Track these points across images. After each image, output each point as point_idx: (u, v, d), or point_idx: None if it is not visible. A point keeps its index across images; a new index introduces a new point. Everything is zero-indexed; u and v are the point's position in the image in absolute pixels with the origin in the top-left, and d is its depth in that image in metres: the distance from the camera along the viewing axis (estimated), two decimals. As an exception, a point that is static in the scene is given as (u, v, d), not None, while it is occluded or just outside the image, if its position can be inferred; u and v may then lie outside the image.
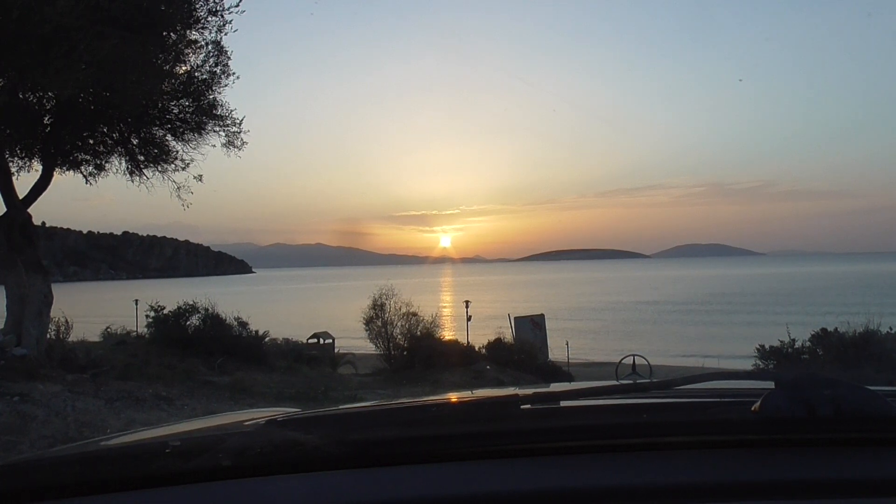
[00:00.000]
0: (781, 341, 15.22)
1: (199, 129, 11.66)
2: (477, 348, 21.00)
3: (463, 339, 22.62)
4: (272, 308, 64.66)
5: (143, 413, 8.56)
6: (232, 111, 11.74)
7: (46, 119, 11.28)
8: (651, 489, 0.88)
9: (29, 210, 11.41)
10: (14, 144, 11.31)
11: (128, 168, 12.06)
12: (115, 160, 12.15)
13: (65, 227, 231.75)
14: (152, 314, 16.87)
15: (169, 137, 11.86)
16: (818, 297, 71.75)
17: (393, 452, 1.00)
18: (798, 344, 15.02)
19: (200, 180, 12.06)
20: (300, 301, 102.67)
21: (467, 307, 28.49)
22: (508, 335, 23.64)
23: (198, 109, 11.52)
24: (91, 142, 12.06)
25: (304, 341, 23.52)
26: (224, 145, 11.87)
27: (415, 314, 19.07)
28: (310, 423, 1.16)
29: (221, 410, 8.85)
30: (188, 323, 16.47)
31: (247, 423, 1.26)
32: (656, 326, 54.60)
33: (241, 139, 11.94)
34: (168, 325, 16.40)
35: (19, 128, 10.80)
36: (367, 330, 19.32)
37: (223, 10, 10.77)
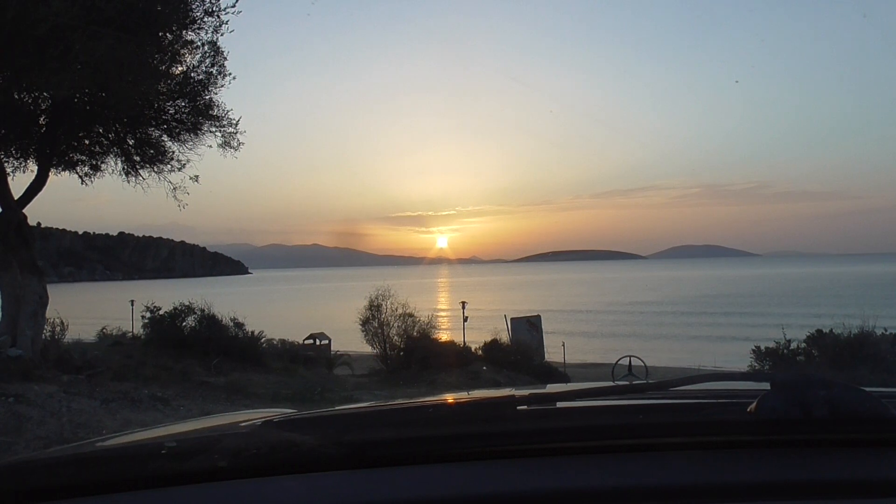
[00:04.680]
0: (777, 342, 15.27)
1: (195, 129, 11.64)
2: (473, 349, 21.01)
3: (459, 340, 22.62)
4: (268, 309, 64.56)
5: (138, 414, 8.54)
6: (228, 112, 11.73)
7: (42, 119, 11.26)
8: (647, 490, 0.88)
9: (24, 210, 11.38)
10: (9, 145, 11.29)
11: (124, 168, 12.04)
12: (110, 161, 12.15)
13: (60, 227, 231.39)
14: (148, 315, 16.85)
15: (165, 138, 11.84)
16: (813, 299, 71.92)
17: (389, 453, 1.00)
18: (793, 345, 15.08)
19: (197, 181, 12.04)
20: (296, 302, 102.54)
21: (463, 308, 28.46)
22: (505, 336, 23.65)
23: (194, 110, 11.50)
24: (87, 142, 12.04)
25: (301, 342, 23.51)
26: (220, 146, 11.85)
27: (411, 315, 19.07)
28: (306, 423, 1.16)
29: (217, 411, 8.83)
30: (184, 324, 16.46)
31: (243, 424, 1.26)
32: (652, 327, 54.64)
33: (238, 140, 11.93)
34: (164, 326, 16.38)
35: (15, 128, 10.78)
36: (363, 331, 19.31)
37: (219, 10, 10.77)
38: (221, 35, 11.02)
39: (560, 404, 1.25)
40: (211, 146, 11.90)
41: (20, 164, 11.74)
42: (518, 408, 1.13)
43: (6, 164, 11.38)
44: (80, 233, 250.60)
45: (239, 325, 17.05)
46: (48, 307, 11.46)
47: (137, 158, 11.98)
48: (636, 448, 1.00)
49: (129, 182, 12.06)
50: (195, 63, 11.19)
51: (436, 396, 2.11)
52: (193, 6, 10.58)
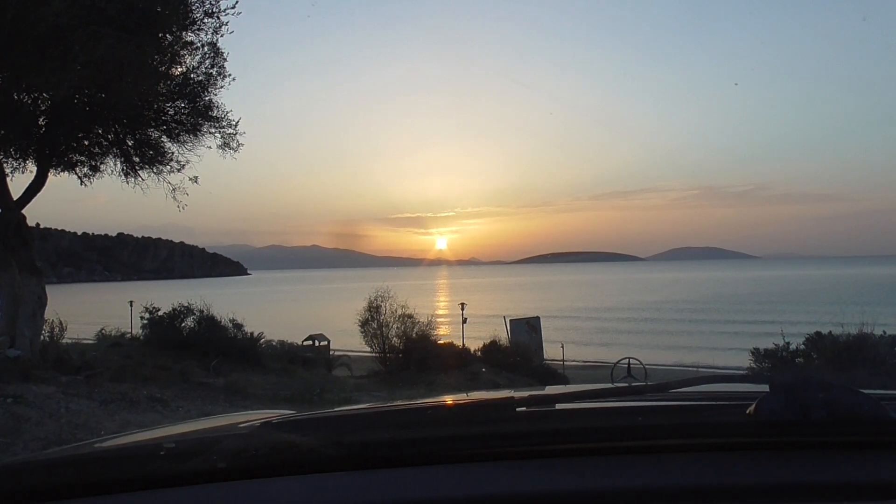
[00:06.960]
0: (776, 344, 15.25)
1: (194, 130, 11.65)
2: (472, 350, 21.02)
3: (458, 342, 22.62)
4: (267, 309, 64.52)
5: (137, 415, 8.53)
6: (227, 113, 11.74)
7: (41, 120, 11.25)
8: (646, 492, 0.89)
9: (23, 211, 11.38)
10: (8, 145, 11.28)
11: (123, 169, 12.04)
12: (110, 161, 12.15)
13: (59, 228, 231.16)
14: (147, 316, 16.83)
15: (164, 139, 11.85)
16: (812, 301, 71.92)
17: (388, 454, 1.00)
18: (792, 347, 15.06)
19: (196, 182, 12.04)
20: (295, 303, 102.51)
21: (462, 309, 28.46)
22: (504, 337, 23.66)
23: (193, 111, 11.51)
24: (86, 143, 12.04)
25: (300, 343, 23.49)
26: (220, 147, 11.86)
27: (410, 316, 19.06)
28: (305, 424, 1.16)
29: (216, 412, 8.82)
30: (183, 324, 16.43)
31: (242, 425, 1.26)
32: (651, 329, 54.64)
33: (237, 141, 11.94)
34: (163, 327, 16.36)
35: (14, 128, 10.77)
36: (362, 332, 19.30)
37: (219, 11, 10.79)
38: (221, 36, 11.05)
39: (559, 406, 1.25)
40: (210, 147, 11.92)
41: (19, 164, 11.74)
42: (517, 409, 1.14)
43: (5, 165, 11.38)
44: (79, 233, 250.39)
45: (238, 326, 17.02)
46: (47, 308, 11.46)
47: (137, 159, 11.98)
48: (635, 450, 1.00)
49: (128, 183, 12.07)
50: (195, 64, 11.22)
51: (435, 398, 2.11)
52: (193, 7, 10.59)
